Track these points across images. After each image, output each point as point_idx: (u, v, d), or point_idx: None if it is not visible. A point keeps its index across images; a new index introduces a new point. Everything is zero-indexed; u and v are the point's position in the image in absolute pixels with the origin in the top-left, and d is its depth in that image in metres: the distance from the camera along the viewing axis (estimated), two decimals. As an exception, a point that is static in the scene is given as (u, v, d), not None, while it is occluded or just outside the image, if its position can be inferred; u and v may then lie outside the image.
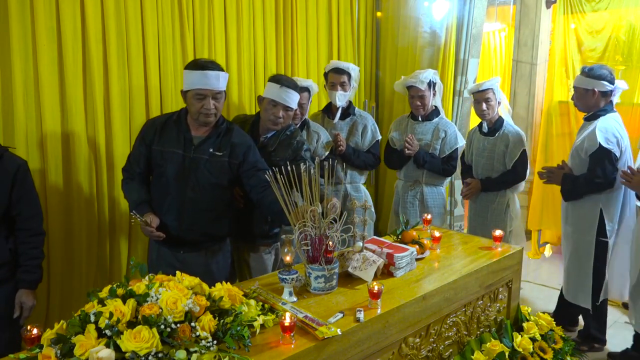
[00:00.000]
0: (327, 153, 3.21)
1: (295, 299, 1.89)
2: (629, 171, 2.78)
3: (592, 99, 3.04)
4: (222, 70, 2.38)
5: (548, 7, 4.85)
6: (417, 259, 2.30)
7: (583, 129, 3.13)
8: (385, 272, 2.17)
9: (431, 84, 3.42)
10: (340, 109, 3.40)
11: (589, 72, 3.06)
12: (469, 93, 3.52)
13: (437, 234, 2.53)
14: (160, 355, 1.35)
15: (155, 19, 3.06)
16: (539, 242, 4.96)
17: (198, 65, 2.35)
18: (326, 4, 4.06)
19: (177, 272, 1.63)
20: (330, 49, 4.15)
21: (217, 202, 2.44)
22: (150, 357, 1.33)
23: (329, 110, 3.51)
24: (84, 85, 2.83)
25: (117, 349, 1.35)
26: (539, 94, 5.03)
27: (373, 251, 2.19)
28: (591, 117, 3.08)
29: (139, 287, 1.48)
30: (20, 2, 2.58)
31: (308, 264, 1.96)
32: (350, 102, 3.50)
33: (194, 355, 1.37)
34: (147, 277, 1.57)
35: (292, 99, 2.68)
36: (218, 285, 1.64)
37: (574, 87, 3.16)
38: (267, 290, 1.93)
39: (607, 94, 3.04)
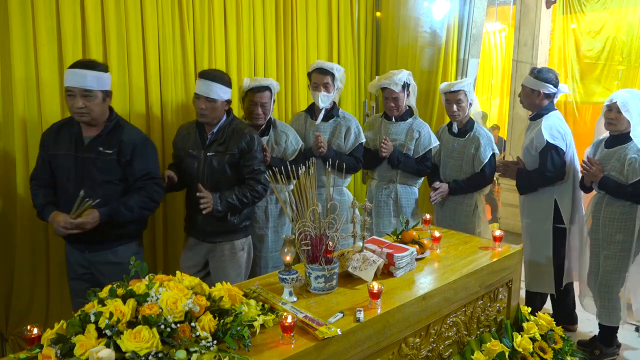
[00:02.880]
0: (296, 154, 3.12)
1: (295, 299, 1.89)
2: (588, 162, 2.99)
3: (536, 99, 3.25)
4: (100, 70, 2.38)
5: (548, 7, 4.86)
6: (417, 259, 2.31)
7: (530, 129, 3.33)
8: (385, 272, 2.17)
9: (405, 85, 3.35)
10: (323, 110, 3.30)
11: (537, 74, 3.26)
12: (441, 92, 3.44)
13: (437, 234, 2.53)
14: (160, 355, 1.35)
15: (155, 19, 3.06)
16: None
17: (74, 64, 2.37)
18: (326, 4, 4.06)
19: (177, 272, 1.63)
20: (330, 49, 4.15)
21: (116, 197, 2.43)
22: (150, 357, 1.33)
23: (312, 111, 3.40)
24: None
25: (117, 349, 1.35)
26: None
27: (373, 251, 2.19)
28: (536, 117, 3.29)
29: (139, 287, 1.48)
30: (20, 2, 2.58)
31: (308, 264, 1.96)
32: (334, 103, 3.40)
33: (194, 355, 1.37)
34: (147, 277, 1.57)
35: (213, 89, 2.64)
36: (218, 285, 1.64)
37: (522, 85, 3.34)
38: (267, 290, 1.93)
39: (550, 96, 3.26)
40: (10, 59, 2.58)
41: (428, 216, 2.88)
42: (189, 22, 3.23)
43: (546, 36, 4.96)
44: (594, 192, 3.13)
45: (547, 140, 3.09)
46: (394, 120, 3.44)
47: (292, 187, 3.08)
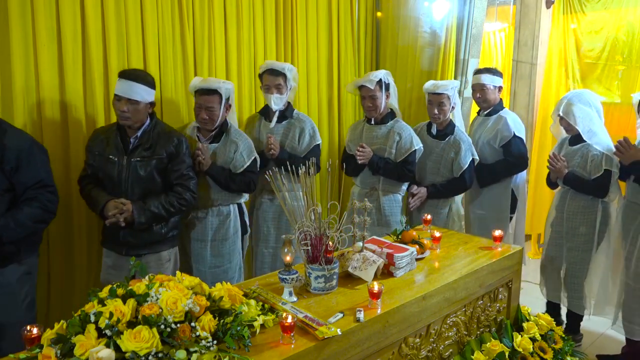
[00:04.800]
0: (248, 163, 2.90)
1: (295, 299, 1.89)
2: (553, 158, 3.15)
3: (496, 94, 3.47)
4: None
5: (548, 7, 4.85)
6: (417, 259, 2.31)
7: (484, 124, 3.51)
8: (385, 272, 2.17)
9: (383, 84, 3.23)
10: (277, 112, 3.17)
11: (495, 70, 3.50)
12: (425, 91, 3.38)
13: (437, 234, 2.53)
14: (160, 355, 1.35)
15: (155, 19, 3.06)
16: (538, 243, 4.96)
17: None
18: (326, 4, 4.06)
19: (177, 272, 1.64)
20: (330, 49, 4.15)
21: (2, 211, 2.20)
22: (150, 357, 1.33)
23: (267, 112, 3.24)
24: (83, 85, 2.82)
25: (117, 349, 1.35)
26: (539, 94, 5.03)
27: (373, 251, 2.19)
28: (492, 112, 3.48)
29: (139, 287, 1.48)
30: (20, 2, 2.58)
31: (308, 264, 1.96)
32: (289, 104, 3.24)
33: (194, 355, 1.37)
34: (147, 277, 1.57)
35: (135, 90, 2.47)
36: (218, 285, 1.64)
37: (483, 84, 3.45)
38: (267, 290, 1.93)
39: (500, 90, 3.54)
40: (10, 59, 2.58)
41: (428, 216, 2.88)
42: (189, 22, 3.23)
43: (546, 36, 4.95)
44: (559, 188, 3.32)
45: (514, 133, 3.32)
46: (374, 123, 3.33)
47: (244, 198, 3.03)
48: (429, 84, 3.37)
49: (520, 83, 5.05)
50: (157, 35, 3.09)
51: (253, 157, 2.93)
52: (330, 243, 1.95)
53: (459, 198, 3.50)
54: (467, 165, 3.26)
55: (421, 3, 4.24)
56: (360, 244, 2.18)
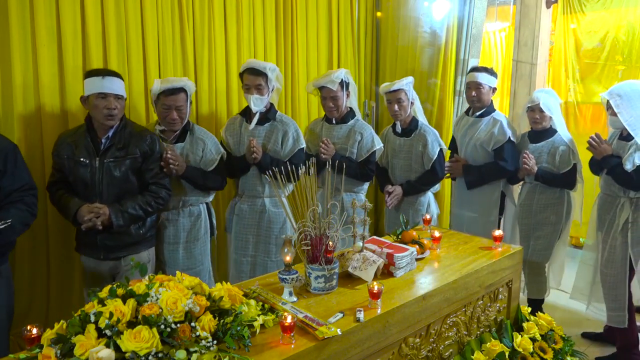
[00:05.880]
0: (216, 164, 2.85)
1: (295, 299, 1.89)
2: (527, 156, 3.22)
3: (489, 95, 3.42)
4: None
5: (548, 7, 4.85)
6: (417, 259, 2.30)
7: (476, 125, 3.42)
8: (385, 272, 2.17)
9: (344, 84, 3.18)
10: (257, 114, 2.99)
11: (492, 71, 3.42)
12: (381, 93, 3.38)
13: (437, 234, 2.53)
14: (160, 355, 1.35)
15: (155, 19, 3.06)
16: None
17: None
18: (326, 4, 4.06)
19: (177, 272, 1.63)
20: (330, 49, 4.15)
21: None
22: (150, 357, 1.33)
23: (248, 114, 3.07)
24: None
25: (117, 349, 1.35)
26: (539, 94, 5.03)
27: (373, 251, 2.19)
28: (485, 114, 3.42)
29: (139, 287, 1.48)
30: (20, 2, 2.58)
31: (308, 264, 1.96)
32: (271, 106, 3.09)
33: (194, 355, 1.37)
34: (147, 277, 1.57)
35: (119, 86, 2.46)
36: (218, 285, 1.64)
37: (480, 83, 3.35)
38: (267, 290, 1.93)
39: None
40: (10, 59, 2.58)
41: (428, 216, 2.88)
42: (189, 22, 3.23)
43: (546, 36, 4.95)
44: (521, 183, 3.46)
45: (509, 137, 3.31)
46: (335, 122, 3.28)
47: (211, 197, 2.97)
48: (383, 86, 3.39)
49: (520, 83, 5.05)
50: (157, 35, 3.09)
51: (221, 153, 2.89)
52: (331, 243, 1.95)
53: (432, 198, 3.47)
54: (436, 156, 3.28)
55: (421, 3, 4.25)
56: (360, 244, 2.18)
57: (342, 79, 3.17)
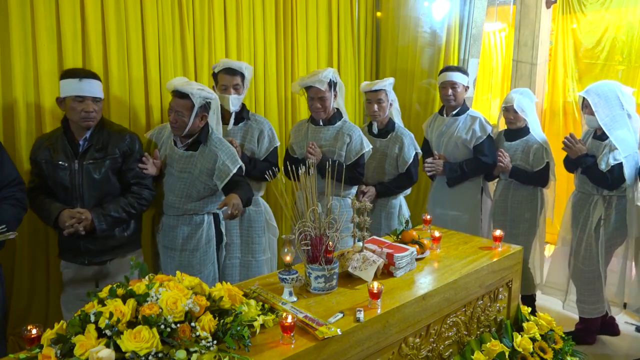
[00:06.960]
0: (235, 170, 2.71)
1: (295, 299, 1.89)
2: (502, 155, 3.32)
3: (464, 94, 3.45)
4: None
5: (548, 7, 4.85)
6: (417, 259, 2.30)
7: (454, 124, 3.44)
8: (385, 272, 2.17)
9: (332, 84, 3.08)
10: (233, 114, 2.98)
11: (464, 70, 3.48)
12: (362, 91, 3.33)
13: (437, 234, 2.53)
14: (160, 355, 1.35)
15: (155, 19, 3.06)
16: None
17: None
18: (326, 4, 4.06)
19: (177, 272, 1.63)
20: (330, 49, 4.15)
21: None
22: (150, 357, 1.33)
23: (222, 114, 2.95)
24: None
25: (117, 349, 1.35)
26: (539, 94, 5.03)
27: (373, 251, 2.19)
28: (460, 112, 3.45)
29: (139, 287, 1.48)
30: (20, 2, 2.58)
31: (308, 264, 1.96)
32: (244, 105, 3.06)
33: (194, 355, 1.37)
34: (147, 277, 1.57)
35: (97, 88, 2.41)
36: (218, 285, 1.64)
37: (455, 82, 3.37)
38: (267, 290, 1.93)
39: None
40: (10, 59, 2.58)
41: (428, 216, 2.88)
42: (189, 22, 3.23)
43: (546, 36, 4.95)
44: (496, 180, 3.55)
45: (489, 133, 3.38)
46: (321, 124, 3.17)
47: (215, 207, 2.82)
48: (364, 84, 3.36)
49: (520, 83, 5.04)
50: (157, 35, 3.09)
51: (239, 165, 2.70)
52: (331, 243, 1.95)
53: (403, 201, 3.44)
54: (411, 160, 3.27)
55: (421, 3, 4.25)
56: (360, 244, 2.18)
57: (330, 79, 3.07)
